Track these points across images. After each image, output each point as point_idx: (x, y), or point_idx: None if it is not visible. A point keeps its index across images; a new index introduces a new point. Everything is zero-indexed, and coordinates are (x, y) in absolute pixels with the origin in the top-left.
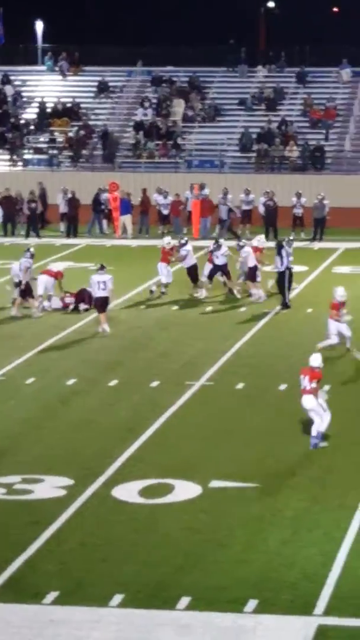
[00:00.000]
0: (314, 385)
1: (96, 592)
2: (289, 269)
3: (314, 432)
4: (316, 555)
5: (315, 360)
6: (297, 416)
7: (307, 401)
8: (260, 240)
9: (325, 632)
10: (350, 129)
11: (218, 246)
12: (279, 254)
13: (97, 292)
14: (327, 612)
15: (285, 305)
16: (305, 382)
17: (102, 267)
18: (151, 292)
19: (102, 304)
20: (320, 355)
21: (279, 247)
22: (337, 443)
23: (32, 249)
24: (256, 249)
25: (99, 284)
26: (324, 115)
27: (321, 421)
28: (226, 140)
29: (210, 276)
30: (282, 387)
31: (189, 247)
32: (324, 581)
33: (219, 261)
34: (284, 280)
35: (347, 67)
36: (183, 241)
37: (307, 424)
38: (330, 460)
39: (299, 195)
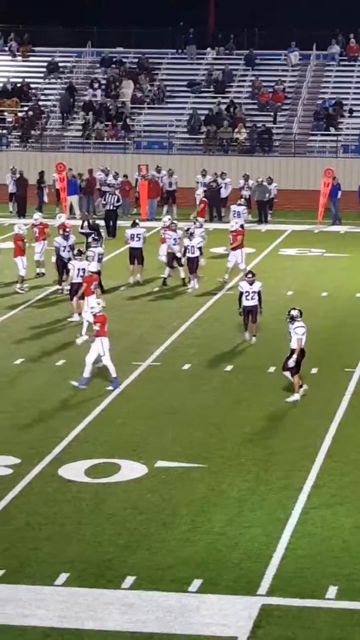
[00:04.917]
0: None
1: (42, 570)
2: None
3: None
4: (260, 535)
5: None
6: (242, 396)
7: None
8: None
9: (269, 612)
10: (298, 111)
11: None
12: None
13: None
14: (270, 592)
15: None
16: None
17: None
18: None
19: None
20: None
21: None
22: (280, 425)
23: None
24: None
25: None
26: (272, 98)
27: None
28: (175, 122)
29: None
30: (228, 367)
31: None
32: (267, 561)
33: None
34: None
35: (295, 51)
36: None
37: (250, 405)
38: (274, 441)
39: (246, 178)
